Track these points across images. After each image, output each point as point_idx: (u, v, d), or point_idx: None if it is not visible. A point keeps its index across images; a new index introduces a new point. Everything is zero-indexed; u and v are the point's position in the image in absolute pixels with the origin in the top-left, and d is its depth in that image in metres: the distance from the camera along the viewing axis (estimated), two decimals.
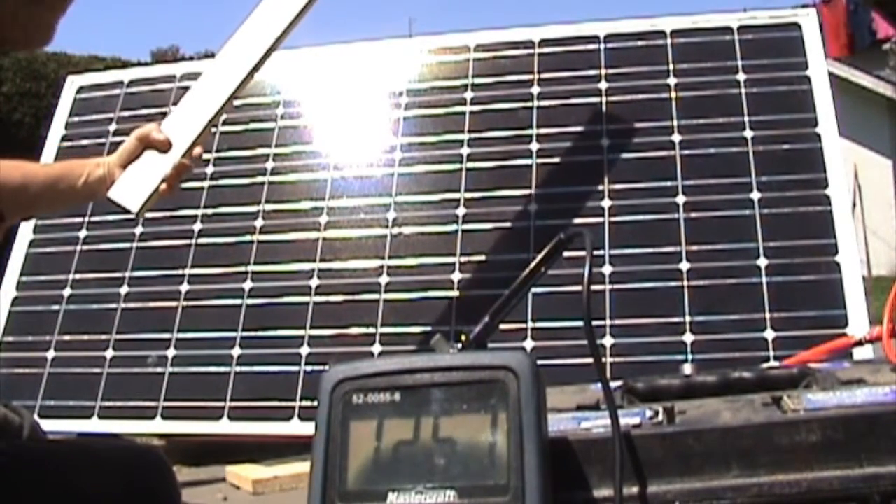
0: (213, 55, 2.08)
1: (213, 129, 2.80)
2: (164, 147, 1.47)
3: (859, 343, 1.34)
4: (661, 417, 0.79)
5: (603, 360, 1.58)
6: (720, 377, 0.91)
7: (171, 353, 2.50)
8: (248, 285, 2.55)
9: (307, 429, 2.17)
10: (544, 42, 2.70)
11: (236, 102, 2.88)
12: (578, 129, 2.53)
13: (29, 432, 1.18)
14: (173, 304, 2.57)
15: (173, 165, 1.48)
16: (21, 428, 1.17)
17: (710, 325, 2.19)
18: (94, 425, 2.45)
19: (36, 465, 1.01)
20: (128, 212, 1.46)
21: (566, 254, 0.99)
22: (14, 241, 2.81)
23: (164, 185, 1.47)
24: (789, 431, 0.72)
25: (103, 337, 2.57)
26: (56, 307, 2.66)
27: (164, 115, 2.91)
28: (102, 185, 1.42)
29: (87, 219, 2.78)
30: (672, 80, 2.53)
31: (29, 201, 1.34)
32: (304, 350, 2.41)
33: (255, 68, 1.67)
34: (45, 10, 1.06)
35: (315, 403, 0.74)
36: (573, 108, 2.56)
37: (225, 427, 2.38)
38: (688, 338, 2.18)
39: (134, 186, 1.45)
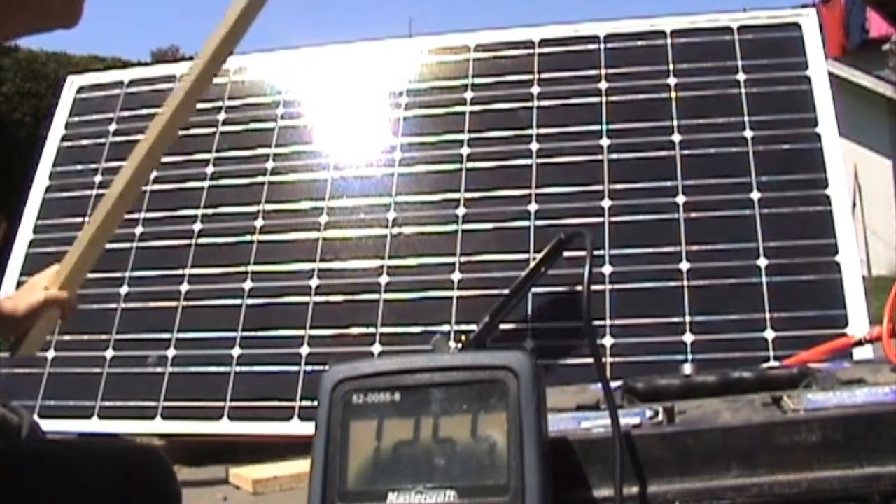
0: None
1: (215, 130, 2.79)
2: (69, 306, 1.43)
3: (859, 343, 1.34)
4: (661, 417, 0.78)
5: (603, 360, 1.58)
6: (720, 377, 0.91)
7: (171, 353, 2.50)
8: (248, 285, 2.54)
9: (307, 429, 2.17)
10: (544, 42, 2.70)
11: (236, 102, 2.91)
12: (578, 129, 2.53)
13: (28, 432, 1.18)
14: (173, 304, 2.57)
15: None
16: (20, 428, 1.17)
17: (710, 325, 2.19)
18: (94, 425, 2.45)
19: (35, 464, 1.01)
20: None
21: (566, 254, 0.99)
22: (14, 241, 2.81)
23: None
24: (789, 431, 0.72)
25: (103, 337, 2.57)
26: None
27: None
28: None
29: (86, 219, 2.78)
30: (672, 80, 2.53)
31: None
32: (304, 350, 2.41)
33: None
34: None
35: (315, 403, 0.74)
36: (573, 108, 2.56)
37: (225, 427, 2.38)
38: (688, 338, 2.18)
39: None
